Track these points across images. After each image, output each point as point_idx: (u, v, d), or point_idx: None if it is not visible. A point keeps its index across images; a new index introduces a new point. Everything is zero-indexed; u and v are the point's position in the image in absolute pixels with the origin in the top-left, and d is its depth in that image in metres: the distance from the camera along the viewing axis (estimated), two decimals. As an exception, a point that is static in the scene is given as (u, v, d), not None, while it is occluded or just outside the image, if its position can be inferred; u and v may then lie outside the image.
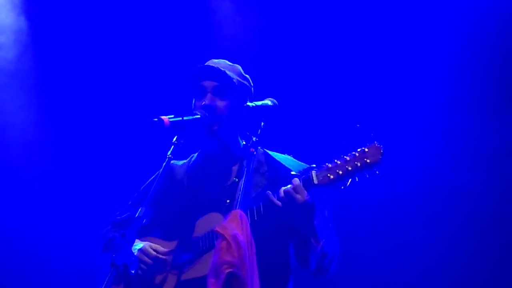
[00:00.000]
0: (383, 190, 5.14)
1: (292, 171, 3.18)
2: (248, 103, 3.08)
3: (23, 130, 5.74)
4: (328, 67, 5.44)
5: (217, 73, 3.31)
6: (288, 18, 5.60)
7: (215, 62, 3.42)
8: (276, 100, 3.18)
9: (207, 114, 3.22)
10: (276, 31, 5.60)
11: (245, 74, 3.47)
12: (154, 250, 3.27)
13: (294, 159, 3.37)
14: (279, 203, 3.01)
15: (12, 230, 5.68)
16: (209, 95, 3.31)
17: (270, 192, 3.05)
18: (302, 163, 3.30)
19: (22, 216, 5.69)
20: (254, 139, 2.97)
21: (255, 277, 2.64)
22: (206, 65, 3.36)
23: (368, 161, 2.86)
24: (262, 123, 3.03)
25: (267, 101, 3.13)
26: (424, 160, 5.24)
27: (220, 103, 3.30)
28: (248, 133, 3.05)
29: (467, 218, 5.14)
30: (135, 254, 3.25)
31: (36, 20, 5.75)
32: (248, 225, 2.69)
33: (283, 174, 3.32)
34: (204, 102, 3.29)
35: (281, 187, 3.11)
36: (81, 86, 5.79)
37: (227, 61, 3.46)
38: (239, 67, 3.47)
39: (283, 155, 3.41)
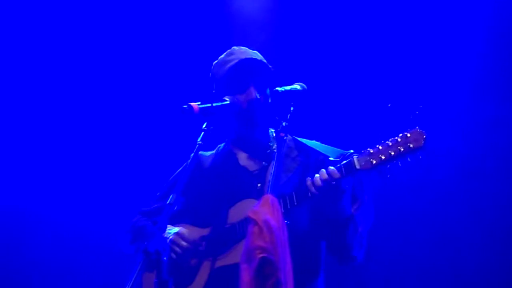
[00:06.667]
0: (414, 175, 5.11)
1: (324, 154, 3.18)
2: (278, 88, 3.07)
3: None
4: (361, 52, 5.42)
5: (258, 65, 3.34)
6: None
7: (249, 53, 3.42)
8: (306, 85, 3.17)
9: (235, 100, 3.22)
10: (307, 13, 5.58)
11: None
12: (191, 235, 3.30)
13: (323, 144, 3.35)
14: (316, 192, 3.01)
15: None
16: (252, 89, 3.32)
17: (309, 178, 3.06)
18: (333, 148, 3.28)
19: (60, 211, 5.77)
20: (284, 123, 2.96)
21: (287, 261, 2.62)
22: (248, 58, 3.36)
23: (411, 146, 2.89)
24: (292, 108, 3.02)
25: (296, 86, 3.12)
26: (456, 147, 5.19)
27: (262, 96, 3.32)
28: (277, 118, 3.03)
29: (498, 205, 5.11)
30: (170, 237, 3.28)
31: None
32: (280, 209, 2.67)
33: (314, 158, 3.35)
34: (250, 97, 3.29)
35: (312, 171, 3.12)
36: (111, 76, 5.83)
37: (248, 49, 3.47)
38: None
39: (311, 141, 3.41)
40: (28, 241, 5.75)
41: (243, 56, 3.37)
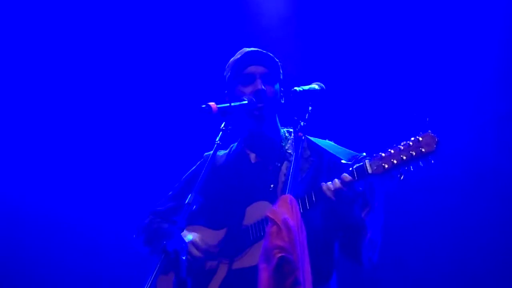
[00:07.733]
0: (428, 177, 5.09)
1: (336, 156, 3.17)
2: (295, 88, 3.07)
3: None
4: (374, 54, 5.42)
5: (265, 58, 3.36)
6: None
7: (257, 50, 3.46)
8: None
9: (254, 99, 3.25)
10: (320, 14, 5.59)
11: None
12: (204, 243, 3.30)
13: (336, 145, 3.35)
14: (333, 198, 3.01)
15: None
16: (258, 80, 3.34)
17: (324, 184, 3.05)
18: (346, 149, 3.28)
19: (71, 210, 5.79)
20: (302, 123, 2.96)
21: (306, 261, 2.63)
22: (254, 51, 3.41)
23: (423, 150, 2.86)
24: (310, 108, 3.02)
25: (314, 85, 3.11)
26: (470, 146, 5.18)
27: (269, 88, 3.35)
28: (295, 118, 3.03)
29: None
30: None
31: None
32: (298, 209, 2.67)
33: (327, 159, 3.34)
34: (256, 88, 3.32)
35: (324, 173, 3.11)
36: (129, 74, 5.86)
37: (259, 49, 3.49)
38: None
39: (323, 140, 3.40)
40: (29, 241, 5.77)
41: (250, 50, 3.43)
